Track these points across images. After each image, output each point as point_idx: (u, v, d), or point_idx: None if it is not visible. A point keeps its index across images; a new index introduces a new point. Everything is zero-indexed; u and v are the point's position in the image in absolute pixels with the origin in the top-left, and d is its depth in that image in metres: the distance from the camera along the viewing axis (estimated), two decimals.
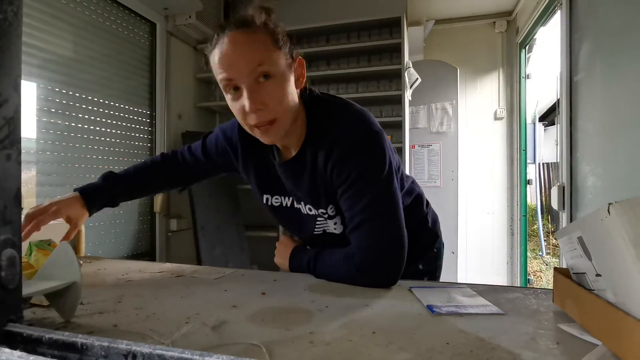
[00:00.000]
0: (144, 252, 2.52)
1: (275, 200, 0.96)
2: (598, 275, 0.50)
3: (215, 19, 2.92)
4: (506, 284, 3.33)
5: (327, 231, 0.93)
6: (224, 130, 1.00)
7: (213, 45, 0.77)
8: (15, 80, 0.42)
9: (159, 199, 2.53)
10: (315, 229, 0.93)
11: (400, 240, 0.81)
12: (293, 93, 0.80)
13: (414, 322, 0.62)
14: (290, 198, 0.94)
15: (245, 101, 0.75)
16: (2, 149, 0.41)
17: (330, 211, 0.89)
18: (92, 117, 2.15)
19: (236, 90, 0.76)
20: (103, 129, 2.22)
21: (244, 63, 0.74)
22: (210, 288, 0.84)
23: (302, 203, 0.93)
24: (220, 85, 0.79)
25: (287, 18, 2.94)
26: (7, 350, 0.35)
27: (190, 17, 2.59)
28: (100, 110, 2.21)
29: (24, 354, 0.34)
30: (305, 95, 0.87)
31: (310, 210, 0.92)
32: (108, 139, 2.26)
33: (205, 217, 2.54)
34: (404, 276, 0.83)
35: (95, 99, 2.17)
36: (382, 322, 0.62)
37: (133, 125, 2.46)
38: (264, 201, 0.98)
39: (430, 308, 0.68)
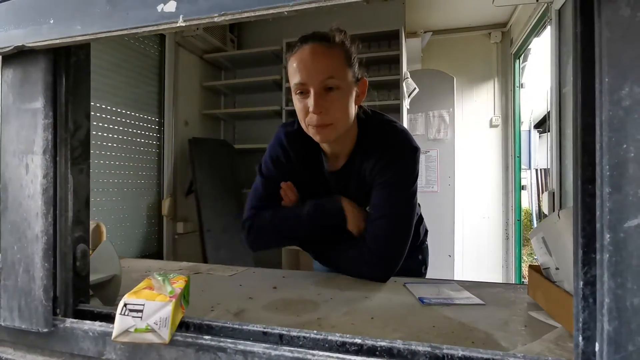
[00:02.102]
0: (152, 253, 2.62)
1: None
2: (557, 268, 0.61)
3: (221, 30, 3.04)
4: None
5: None
6: (273, 156, 1.05)
7: (294, 52, 0.91)
8: (86, 110, 0.53)
9: (166, 202, 2.63)
10: None
11: (407, 241, 0.96)
12: (351, 107, 0.93)
13: (407, 310, 0.73)
14: None
15: (310, 102, 0.88)
16: (77, 164, 0.51)
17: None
18: (104, 125, 2.26)
19: (303, 94, 0.90)
20: (114, 135, 2.33)
21: (317, 72, 0.87)
22: (227, 283, 0.94)
23: None
24: (292, 87, 0.92)
25: (290, 30, 3.07)
26: (88, 322, 0.46)
27: (197, 28, 2.70)
28: (112, 117, 2.32)
29: (104, 324, 0.44)
30: (359, 111, 1.00)
31: None
32: (118, 145, 2.36)
33: (211, 221, 2.64)
34: (410, 266, 1.00)
35: (108, 107, 2.28)
36: (379, 310, 0.73)
37: (142, 132, 2.56)
38: None
39: (421, 299, 0.78)
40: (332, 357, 0.36)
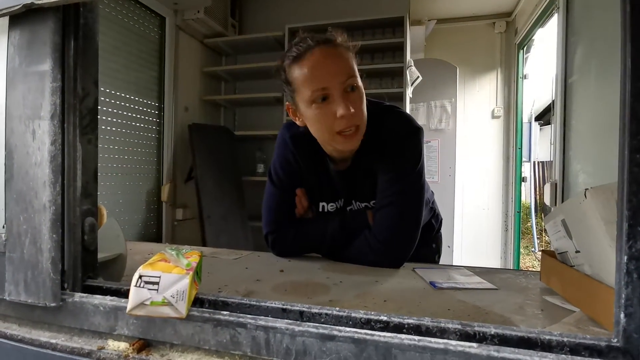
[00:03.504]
0: (151, 240, 2.60)
1: (331, 207, 1.05)
2: (577, 251, 0.59)
3: (223, 14, 2.98)
4: None
5: None
6: (282, 161, 1.03)
7: (298, 60, 0.84)
8: (95, 76, 0.50)
9: (166, 188, 2.61)
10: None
11: (417, 227, 0.93)
12: (365, 107, 0.90)
13: (419, 294, 0.71)
14: (342, 200, 1.04)
15: (338, 107, 0.82)
16: (85, 134, 0.49)
17: (372, 204, 1.00)
18: (103, 108, 2.22)
19: (324, 100, 0.84)
20: (113, 119, 2.29)
21: (338, 73, 0.82)
22: (232, 266, 0.93)
23: (352, 201, 1.03)
24: (306, 97, 0.84)
25: (294, 16, 3.02)
26: (98, 296, 0.44)
27: (198, 12, 2.65)
28: (110, 100, 2.27)
29: (115, 298, 0.42)
30: None
31: (359, 206, 1.03)
32: (117, 129, 2.33)
33: (211, 207, 2.62)
34: (426, 254, 1.00)
35: (107, 90, 2.24)
36: (391, 294, 0.71)
37: (142, 117, 2.52)
38: (320, 209, 1.06)
39: (432, 284, 0.77)
40: (360, 332, 0.34)
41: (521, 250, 3.90)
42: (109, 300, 0.42)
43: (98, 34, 0.50)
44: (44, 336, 0.45)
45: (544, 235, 5.94)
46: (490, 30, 3.57)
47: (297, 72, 0.85)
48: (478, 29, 3.58)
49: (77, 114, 0.44)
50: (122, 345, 0.41)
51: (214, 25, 2.86)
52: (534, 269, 4.73)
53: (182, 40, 2.79)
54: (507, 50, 3.53)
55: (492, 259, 3.56)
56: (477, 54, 3.58)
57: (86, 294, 0.44)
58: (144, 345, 0.40)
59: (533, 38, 3.25)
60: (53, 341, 0.44)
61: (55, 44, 0.41)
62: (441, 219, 1.24)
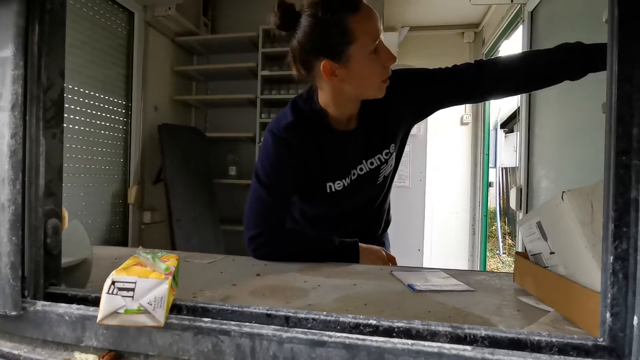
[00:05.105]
0: (116, 244, 2.48)
1: (338, 185, 1.02)
2: (552, 253, 0.61)
3: (195, 12, 2.91)
4: None
5: (385, 175, 1.08)
6: (278, 159, 0.98)
7: (356, 9, 0.83)
8: (61, 66, 0.46)
9: (133, 190, 2.50)
10: (378, 179, 1.07)
11: None
12: None
13: (399, 296, 0.71)
14: (348, 178, 1.03)
15: (389, 57, 0.87)
16: (48, 128, 0.45)
17: (391, 149, 1.05)
18: (66, 104, 2.10)
19: (375, 50, 0.86)
20: (76, 117, 2.18)
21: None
22: (206, 270, 0.89)
23: (363, 163, 1.03)
24: (370, 47, 0.85)
25: (268, 17, 2.98)
26: (63, 304, 0.40)
27: (169, 8, 2.57)
28: (75, 97, 2.16)
29: (82, 306, 0.39)
30: None
31: (372, 164, 1.04)
32: (81, 128, 2.21)
33: (181, 210, 2.53)
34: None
35: (70, 86, 2.12)
36: (371, 297, 0.70)
37: (108, 115, 2.41)
38: (328, 190, 1.02)
39: (411, 287, 0.77)
40: (351, 337, 0.33)
41: (487, 252, 4.03)
42: (75, 309, 0.39)
43: (65, 22, 0.47)
44: (6, 346, 0.41)
45: (507, 238, 6.18)
46: (459, 39, 3.69)
47: (360, 22, 0.83)
48: (448, 38, 3.69)
49: (40, 106, 0.41)
50: (91, 358, 0.37)
51: (186, 23, 2.78)
52: (498, 271, 4.91)
53: (152, 37, 2.70)
54: (475, 59, 3.66)
55: (459, 261, 3.66)
56: (447, 62, 3.62)
57: (49, 302, 0.40)
58: (115, 357, 0.37)
59: (499, 49, 3.39)
60: (15, 352, 0.40)
61: (19, 27, 0.38)
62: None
